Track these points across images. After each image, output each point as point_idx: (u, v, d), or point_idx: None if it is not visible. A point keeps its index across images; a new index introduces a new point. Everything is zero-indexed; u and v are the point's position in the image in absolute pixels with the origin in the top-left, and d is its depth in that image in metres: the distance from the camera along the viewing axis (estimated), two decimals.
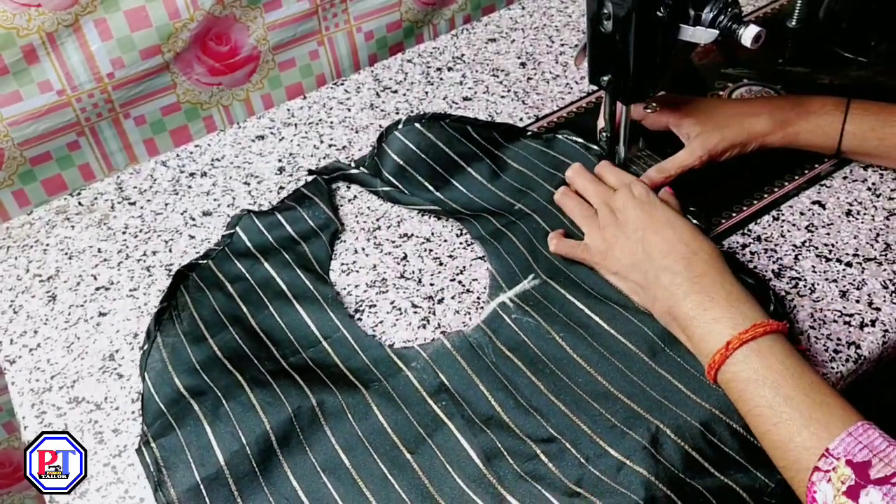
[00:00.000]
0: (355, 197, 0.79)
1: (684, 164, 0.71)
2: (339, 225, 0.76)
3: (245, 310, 0.67)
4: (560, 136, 0.80)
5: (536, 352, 0.62)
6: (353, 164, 0.81)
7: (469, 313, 0.67)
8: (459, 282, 0.70)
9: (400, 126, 0.80)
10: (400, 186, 0.77)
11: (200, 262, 0.72)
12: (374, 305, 0.68)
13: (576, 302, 0.64)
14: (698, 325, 0.56)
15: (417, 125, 0.79)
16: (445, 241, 0.73)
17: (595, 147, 0.77)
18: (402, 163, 0.78)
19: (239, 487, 0.55)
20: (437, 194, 0.77)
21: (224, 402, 0.59)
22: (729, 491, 0.53)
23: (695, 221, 0.67)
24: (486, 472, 0.55)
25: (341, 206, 0.78)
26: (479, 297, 0.68)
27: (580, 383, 0.59)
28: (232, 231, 0.75)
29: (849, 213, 0.71)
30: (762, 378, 0.51)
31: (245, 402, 0.59)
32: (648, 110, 0.73)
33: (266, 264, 0.71)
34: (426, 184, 0.77)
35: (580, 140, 0.79)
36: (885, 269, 0.66)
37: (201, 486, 0.55)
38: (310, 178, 0.80)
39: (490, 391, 0.59)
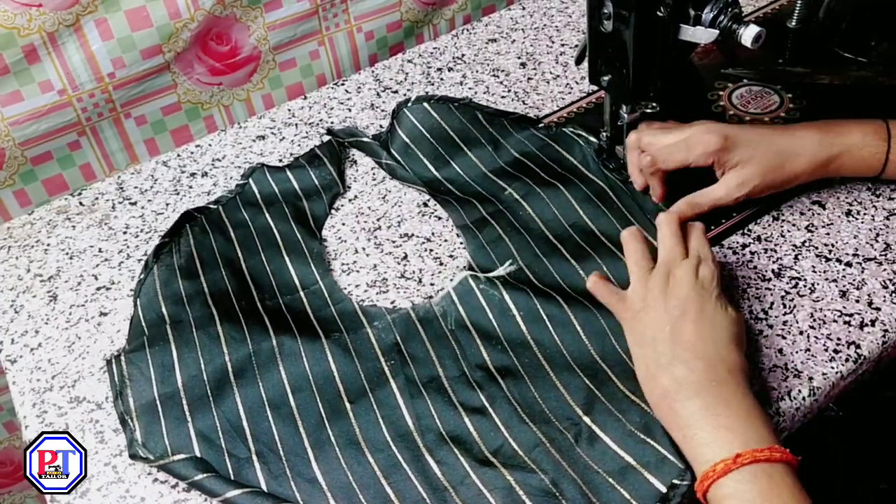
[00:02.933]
0: (356, 197, 0.79)
1: (719, 202, 0.67)
2: (342, 187, 0.80)
3: (239, 253, 0.73)
4: (566, 131, 0.81)
5: (495, 326, 0.64)
6: (370, 136, 0.85)
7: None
8: None
9: (409, 104, 0.84)
10: (403, 163, 0.81)
11: (211, 206, 0.78)
12: (375, 305, 0.68)
13: (547, 289, 0.66)
14: (703, 428, 0.50)
15: (426, 104, 0.84)
16: (446, 240, 0.73)
17: (594, 141, 0.79)
18: (407, 140, 0.82)
19: (191, 408, 0.60)
20: (436, 174, 0.80)
21: (195, 330, 0.65)
22: (641, 484, 0.53)
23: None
24: (414, 429, 0.58)
25: (342, 206, 0.78)
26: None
27: (525, 364, 0.61)
28: (245, 182, 0.80)
29: (849, 213, 0.71)
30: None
31: (213, 333, 0.64)
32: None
33: (267, 215, 0.77)
34: (427, 163, 0.81)
35: (586, 136, 0.80)
36: (884, 269, 0.66)
37: (157, 402, 0.61)
38: (325, 140, 0.85)
39: (438, 356, 0.63)
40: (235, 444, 0.58)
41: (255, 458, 0.57)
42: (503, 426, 0.57)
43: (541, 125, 0.83)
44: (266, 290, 0.69)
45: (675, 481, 0.52)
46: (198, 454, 0.58)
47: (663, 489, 0.52)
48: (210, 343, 0.64)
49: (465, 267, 0.70)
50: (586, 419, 0.57)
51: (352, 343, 0.64)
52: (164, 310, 0.68)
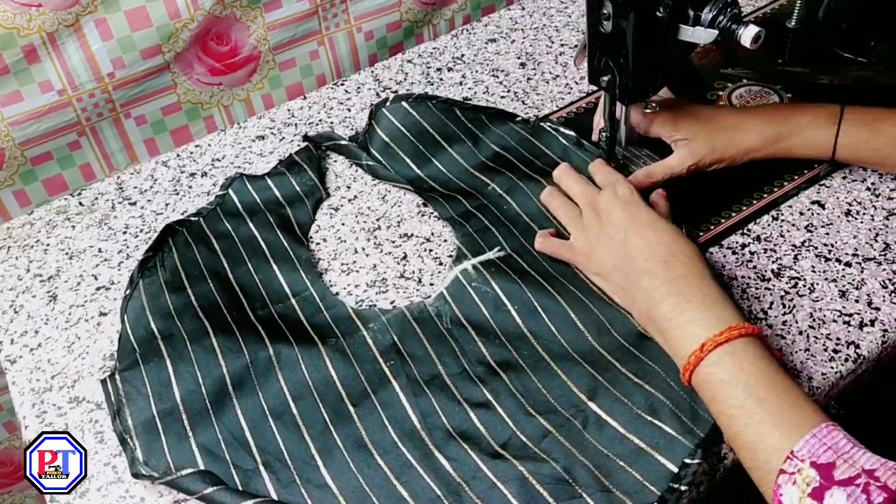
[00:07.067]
0: (355, 197, 0.79)
1: (672, 172, 0.72)
2: (324, 192, 0.79)
3: (225, 264, 0.72)
4: (544, 126, 0.81)
5: (491, 322, 0.64)
6: (347, 138, 0.84)
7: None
8: None
9: (387, 104, 0.84)
10: (384, 162, 0.81)
11: (192, 218, 0.77)
12: (374, 305, 0.68)
13: (536, 275, 0.66)
14: (674, 328, 0.56)
15: (404, 104, 0.84)
16: (445, 241, 0.73)
17: (572, 134, 0.79)
18: (387, 140, 0.82)
19: (191, 423, 0.59)
20: (418, 172, 0.80)
21: (188, 344, 0.64)
22: (652, 465, 0.53)
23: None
24: (420, 428, 0.58)
25: (341, 206, 0.78)
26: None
27: (524, 356, 0.62)
28: (224, 192, 0.79)
29: (848, 213, 0.71)
30: (735, 379, 0.51)
31: (208, 346, 0.63)
32: (648, 110, 0.74)
33: (251, 224, 0.75)
34: (408, 161, 0.81)
35: (563, 130, 0.80)
36: (884, 269, 0.66)
37: (156, 419, 0.60)
38: (302, 145, 0.84)
39: (437, 354, 0.63)
40: (240, 456, 0.57)
41: (262, 468, 0.57)
42: (510, 419, 0.58)
43: (518, 119, 0.83)
44: (256, 299, 0.68)
45: (687, 460, 0.53)
46: (203, 468, 0.57)
47: (675, 469, 0.53)
48: (206, 356, 0.63)
49: (453, 255, 0.70)
50: (591, 405, 0.57)
51: (349, 347, 0.64)
52: (153, 325, 0.66)
